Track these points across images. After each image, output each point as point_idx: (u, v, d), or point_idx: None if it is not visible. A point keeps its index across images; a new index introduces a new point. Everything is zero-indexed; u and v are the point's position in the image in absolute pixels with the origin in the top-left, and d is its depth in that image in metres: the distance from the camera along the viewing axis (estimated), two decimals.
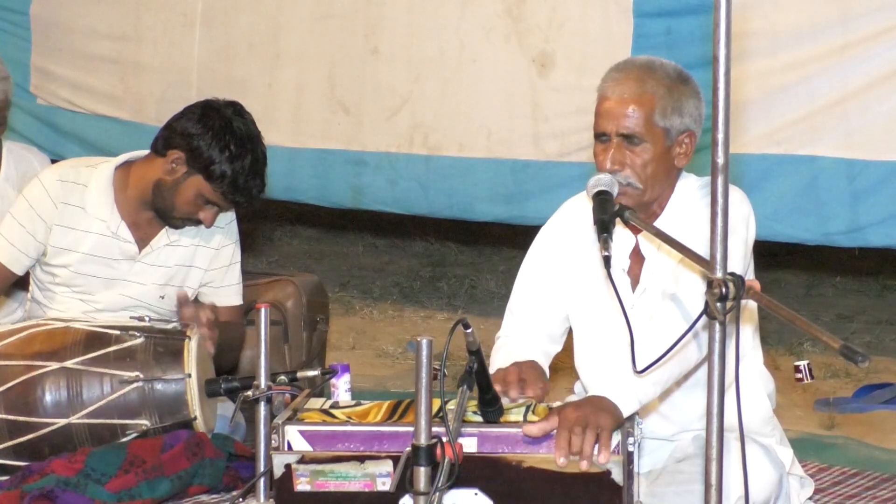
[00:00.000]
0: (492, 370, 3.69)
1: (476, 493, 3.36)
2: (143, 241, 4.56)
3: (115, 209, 4.53)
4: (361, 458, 3.38)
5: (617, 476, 3.33)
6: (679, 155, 3.71)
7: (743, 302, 3.64)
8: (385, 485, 3.35)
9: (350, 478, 3.37)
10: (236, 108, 4.53)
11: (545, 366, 3.83)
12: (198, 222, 4.53)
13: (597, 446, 3.33)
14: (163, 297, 4.57)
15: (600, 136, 3.69)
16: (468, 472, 3.27)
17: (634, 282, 3.78)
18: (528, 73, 6.28)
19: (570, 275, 3.83)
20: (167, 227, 4.55)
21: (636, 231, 3.76)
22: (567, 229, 3.86)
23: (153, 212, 4.53)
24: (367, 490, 3.37)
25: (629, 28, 6.00)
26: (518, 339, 3.86)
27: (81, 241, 4.53)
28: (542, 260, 3.90)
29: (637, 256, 3.79)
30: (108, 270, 4.54)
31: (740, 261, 3.61)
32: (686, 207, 3.74)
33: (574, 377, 3.99)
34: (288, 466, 3.39)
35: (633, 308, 3.71)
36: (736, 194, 3.70)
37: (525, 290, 3.92)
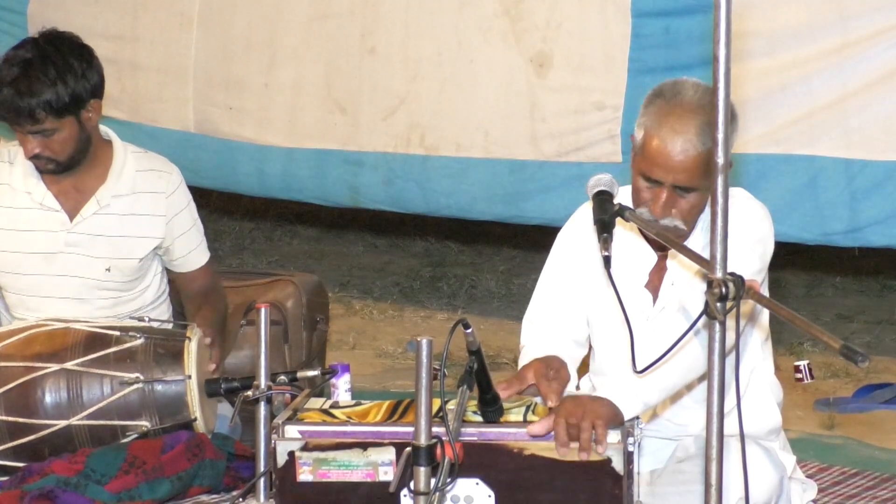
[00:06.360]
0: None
1: (477, 483, 3.37)
2: (73, 211, 4.51)
3: (40, 181, 4.50)
4: (364, 446, 3.38)
5: (617, 464, 3.34)
6: None
7: (756, 309, 3.68)
8: (387, 474, 3.35)
9: (352, 466, 3.38)
10: (46, 36, 4.54)
11: (571, 368, 3.78)
12: (40, 160, 4.42)
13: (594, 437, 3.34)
14: (108, 270, 4.51)
15: (649, 179, 3.60)
16: (469, 461, 3.28)
17: (655, 297, 3.75)
18: (525, 73, 6.27)
19: (587, 279, 3.81)
20: (95, 195, 4.50)
21: (659, 249, 3.74)
22: (582, 234, 3.82)
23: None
24: (368, 480, 3.38)
25: (627, 28, 5.99)
26: (543, 346, 3.78)
27: (14, 218, 4.50)
28: (562, 267, 3.86)
29: (659, 273, 3.76)
30: (44, 244, 4.48)
31: (755, 275, 3.56)
32: None
33: (578, 375, 3.99)
34: (291, 454, 3.40)
35: (649, 320, 3.71)
36: (758, 210, 3.70)
37: (547, 297, 3.87)
